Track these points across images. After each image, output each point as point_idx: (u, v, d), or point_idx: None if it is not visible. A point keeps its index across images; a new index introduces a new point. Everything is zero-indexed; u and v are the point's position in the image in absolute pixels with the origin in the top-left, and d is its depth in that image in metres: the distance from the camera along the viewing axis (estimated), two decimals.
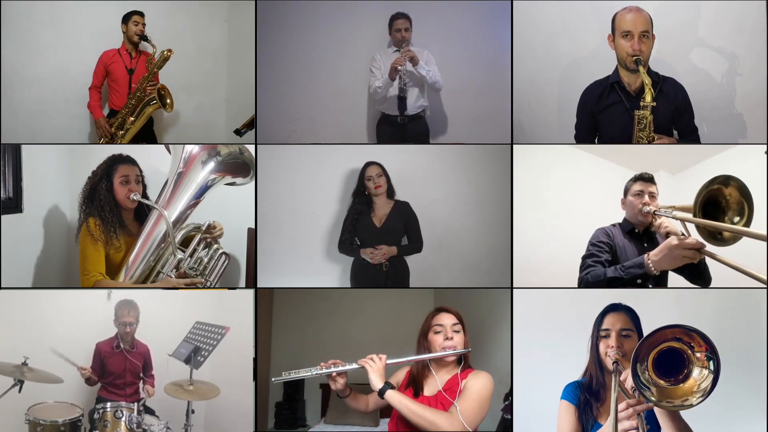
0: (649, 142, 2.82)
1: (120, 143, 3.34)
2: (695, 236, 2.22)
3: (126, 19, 3.39)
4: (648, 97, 2.79)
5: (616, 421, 1.93)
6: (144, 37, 3.38)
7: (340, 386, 2.41)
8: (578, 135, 3.09)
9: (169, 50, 3.35)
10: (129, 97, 3.37)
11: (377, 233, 3.34)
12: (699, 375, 1.85)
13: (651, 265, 2.27)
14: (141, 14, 3.39)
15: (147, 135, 3.46)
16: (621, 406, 1.95)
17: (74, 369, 2.97)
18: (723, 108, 3.19)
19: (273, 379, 2.50)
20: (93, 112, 3.44)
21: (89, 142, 3.49)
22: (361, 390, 2.52)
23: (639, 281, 2.35)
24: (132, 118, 3.35)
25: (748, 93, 3.15)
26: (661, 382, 1.87)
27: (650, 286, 2.63)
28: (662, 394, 1.86)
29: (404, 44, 3.42)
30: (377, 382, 2.30)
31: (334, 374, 2.39)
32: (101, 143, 3.36)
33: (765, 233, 2.06)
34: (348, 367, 2.39)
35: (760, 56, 3.10)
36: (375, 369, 2.33)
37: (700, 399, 1.83)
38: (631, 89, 2.92)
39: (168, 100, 3.35)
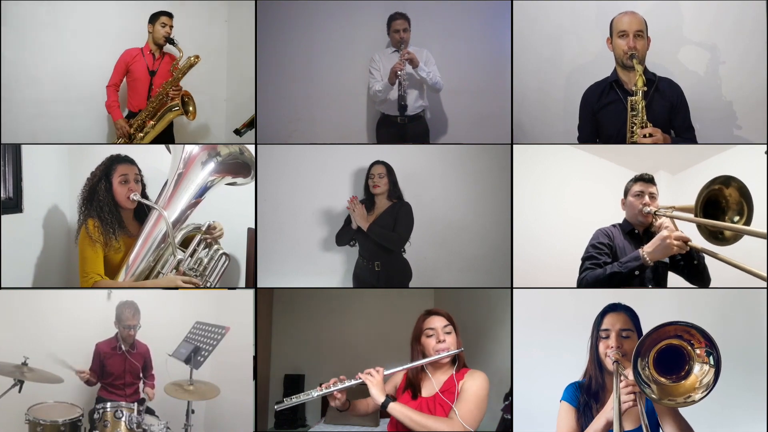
0: (642, 128, 2.86)
1: (142, 143, 3.31)
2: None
3: (153, 19, 3.34)
4: (639, 83, 2.87)
5: (620, 418, 1.93)
6: (170, 40, 3.33)
7: (339, 403, 2.43)
8: (581, 135, 3.10)
9: (197, 56, 3.30)
10: (150, 100, 3.33)
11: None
12: (700, 371, 1.86)
13: (646, 256, 2.40)
14: (170, 15, 3.33)
15: (167, 139, 3.41)
16: (622, 383, 1.97)
17: (73, 372, 2.97)
18: (715, 105, 3.20)
19: (276, 407, 2.49)
20: (111, 112, 3.38)
21: (107, 142, 3.46)
22: (360, 390, 2.52)
23: (637, 272, 2.44)
24: (152, 122, 3.32)
25: (747, 93, 3.15)
26: (662, 380, 1.87)
27: (650, 286, 2.64)
28: (663, 391, 1.87)
29: (403, 45, 3.41)
30: (379, 396, 2.33)
31: (335, 393, 2.39)
32: (120, 143, 3.33)
33: (765, 231, 2.08)
34: (348, 384, 2.40)
35: (760, 56, 3.11)
36: (375, 383, 2.35)
37: (704, 394, 1.84)
38: (629, 87, 2.94)
39: (191, 108, 3.32)
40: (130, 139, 3.33)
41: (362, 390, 2.45)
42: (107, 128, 3.50)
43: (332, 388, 2.39)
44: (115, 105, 3.38)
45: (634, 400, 1.95)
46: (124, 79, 3.41)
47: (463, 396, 2.35)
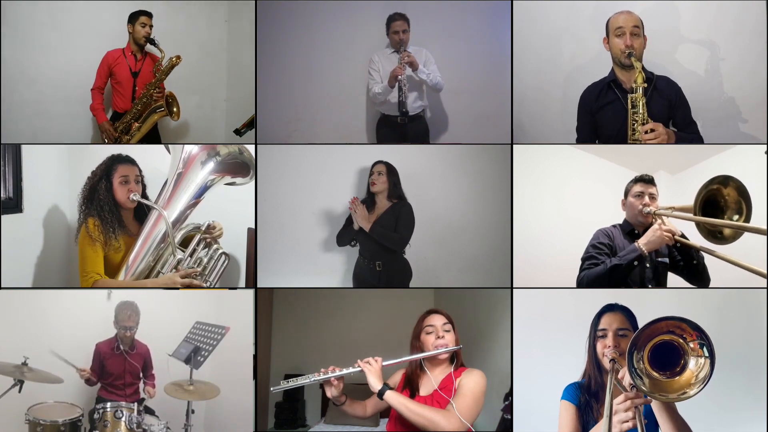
0: (643, 125, 2.85)
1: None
2: (696, 235, 2.34)
3: (133, 18, 3.33)
4: (639, 79, 2.86)
5: (611, 416, 1.92)
6: (151, 41, 3.32)
7: (336, 393, 2.44)
8: (580, 136, 3.10)
9: (178, 57, 3.30)
10: (134, 102, 3.34)
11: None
12: (696, 365, 1.85)
13: (642, 247, 2.51)
14: (149, 15, 3.33)
15: (152, 137, 3.42)
16: (619, 398, 1.95)
17: (74, 369, 2.97)
18: (717, 101, 3.20)
19: (272, 389, 2.52)
20: (96, 115, 3.39)
21: (90, 143, 3.48)
22: (359, 391, 2.53)
23: (636, 263, 2.54)
24: (137, 124, 3.33)
25: (747, 93, 3.15)
26: (656, 375, 1.87)
27: (650, 286, 2.64)
28: (655, 386, 1.86)
29: (402, 46, 3.41)
30: (376, 384, 2.34)
31: (332, 380, 2.41)
32: (106, 143, 3.35)
33: (764, 227, 2.08)
34: (346, 371, 2.40)
35: (760, 56, 3.11)
36: (373, 371, 2.36)
37: (699, 389, 1.83)
38: (627, 87, 2.94)
39: (175, 108, 3.34)
40: (116, 142, 3.34)
41: (362, 392, 2.45)
42: (92, 131, 3.50)
43: (330, 375, 2.40)
44: (99, 108, 3.38)
45: (634, 417, 1.93)
46: (109, 81, 3.41)
47: (461, 391, 2.37)
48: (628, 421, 1.91)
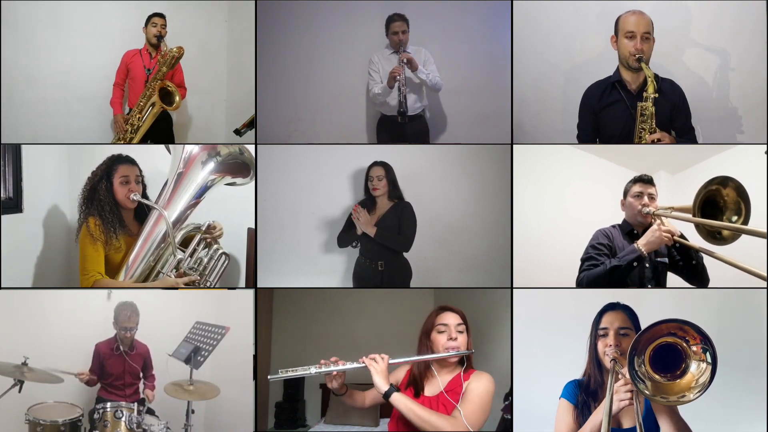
0: (651, 134, 2.85)
1: (132, 142, 3.35)
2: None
3: (147, 21, 3.42)
4: (651, 89, 2.84)
5: (611, 413, 1.93)
6: (159, 37, 3.39)
7: (337, 385, 2.38)
8: (581, 135, 3.09)
9: (179, 48, 3.35)
10: (140, 96, 3.38)
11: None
12: (697, 369, 1.86)
13: (642, 248, 2.50)
14: (161, 16, 3.41)
15: (167, 135, 3.45)
16: (620, 381, 1.97)
17: (71, 376, 2.97)
18: (719, 108, 3.20)
19: (269, 377, 2.45)
20: (113, 108, 3.48)
21: (90, 142, 3.49)
22: (359, 389, 2.51)
23: (635, 264, 2.52)
24: (139, 115, 3.36)
25: (747, 93, 3.15)
26: (657, 377, 1.87)
27: (650, 286, 2.64)
28: (657, 389, 1.87)
29: (401, 47, 3.41)
30: (382, 385, 2.26)
31: (334, 372, 2.35)
32: (118, 136, 3.39)
33: (764, 230, 2.08)
34: (349, 366, 2.33)
35: (760, 56, 3.11)
36: (379, 371, 2.27)
37: (698, 393, 1.83)
38: (632, 88, 2.94)
39: (176, 98, 3.36)
40: (124, 134, 3.37)
41: (361, 389, 2.44)
42: (92, 131, 3.53)
43: (332, 368, 2.33)
44: (116, 102, 3.47)
45: (631, 398, 1.95)
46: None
47: (468, 396, 2.30)
48: (625, 400, 1.96)
